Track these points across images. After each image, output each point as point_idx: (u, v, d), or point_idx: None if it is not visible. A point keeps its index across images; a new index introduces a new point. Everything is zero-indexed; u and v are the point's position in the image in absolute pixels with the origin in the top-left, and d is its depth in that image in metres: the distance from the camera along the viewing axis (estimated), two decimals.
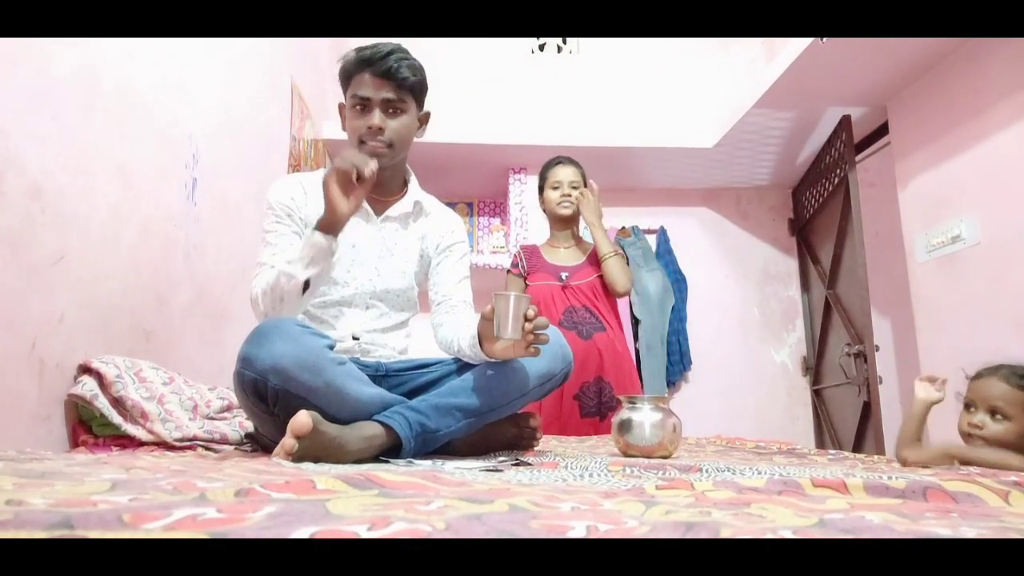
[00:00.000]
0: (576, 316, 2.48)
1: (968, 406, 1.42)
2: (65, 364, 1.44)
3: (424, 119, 1.61)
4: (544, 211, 2.65)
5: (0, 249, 1.24)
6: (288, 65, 3.02)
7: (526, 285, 2.57)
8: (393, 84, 1.48)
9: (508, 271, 2.65)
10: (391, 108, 1.50)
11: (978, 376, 1.44)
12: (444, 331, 1.58)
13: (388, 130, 1.50)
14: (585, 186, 2.59)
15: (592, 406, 2.42)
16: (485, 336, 1.37)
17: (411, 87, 1.51)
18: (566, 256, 2.60)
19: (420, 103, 1.57)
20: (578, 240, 2.66)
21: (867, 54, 2.85)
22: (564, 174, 2.57)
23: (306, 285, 1.38)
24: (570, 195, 2.54)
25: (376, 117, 1.48)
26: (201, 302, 2.11)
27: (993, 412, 1.37)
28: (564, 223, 2.61)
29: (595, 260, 2.56)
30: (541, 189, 2.63)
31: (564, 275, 2.53)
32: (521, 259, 2.62)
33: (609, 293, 2.54)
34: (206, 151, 2.14)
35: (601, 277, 2.53)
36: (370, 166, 1.34)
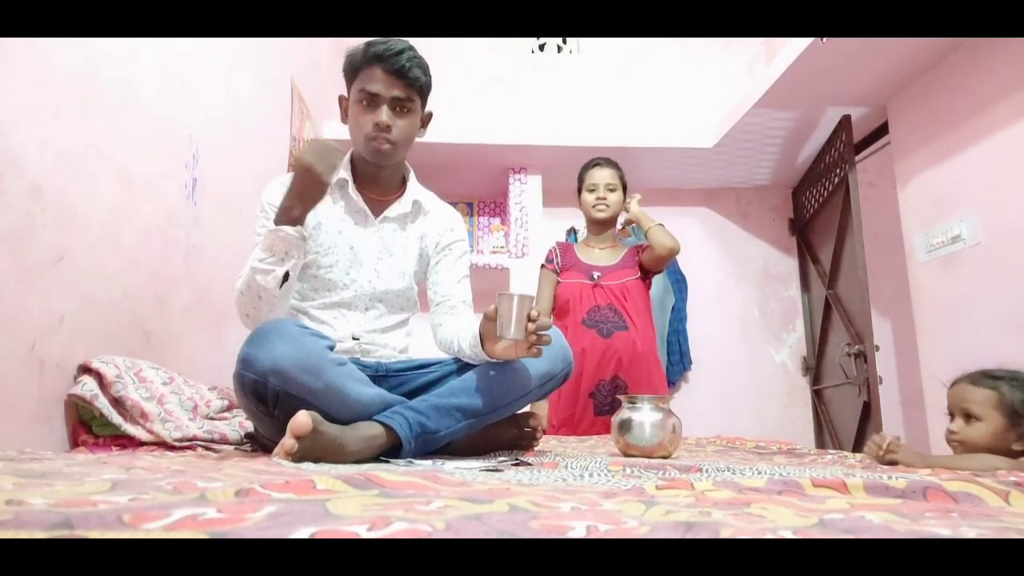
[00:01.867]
0: (599, 315, 2.48)
1: (950, 415, 1.45)
2: (65, 364, 1.44)
3: (426, 120, 1.60)
4: (582, 212, 2.65)
5: (0, 249, 1.24)
6: (288, 65, 3.02)
7: (558, 281, 2.57)
8: (404, 83, 1.47)
9: (543, 266, 2.66)
10: (399, 107, 1.49)
11: (952, 384, 1.47)
12: (444, 331, 1.57)
13: (395, 128, 1.49)
14: (624, 187, 2.59)
15: (606, 404, 2.42)
16: (487, 336, 1.36)
17: (420, 87, 1.51)
18: (601, 256, 2.60)
19: (424, 103, 1.57)
20: (614, 242, 2.65)
21: (867, 54, 2.85)
22: (600, 176, 2.56)
23: (285, 277, 1.37)
24: (605, 198, 2.54)
25: (384, 114, 1.47)
26: (201, 302, 2.11)
27: (966, 416, 1.39)
28: (600, 225, 2.61)
29: (629, 263, 2.56)
30: (579, 190, 2.62)
31: (596, 274, 2.53)
32: (556, 255, 2.62)
33: (643, 294, 2.54)
34: (206, 151, 2.14)
35: (637, 279, 2.53)
36: (334, 174, 1.35)
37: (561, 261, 2.61)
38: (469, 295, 1.65)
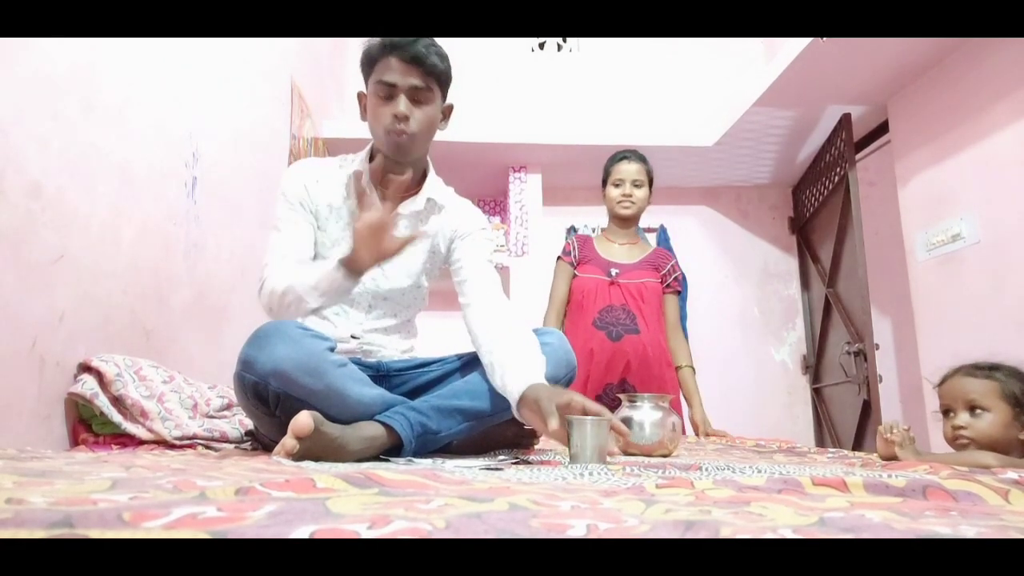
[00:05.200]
0: (611, 316, 2.39)
1: (947, 412, 1.39)
2: (65, 363, 1.44)
3: (447, 112, 1.53)
4: (605, 205, 2.53)
5: (0, 248, 1.24)
6: (288, 64, 3.02)
7: (575, 275, 2.49)
8: (421, 71, 1.40)
9: (559, 258, 2.55)
10: (417, 96, 1.42)
11: (942, 381, 1.42)
12: (476, 325, 1.48)
13: (413, 119, 1.43)
14: (650, 183, 2.47)
15: (612, 409, 2.37)
16: (525, 406, 1.27)
17: (439, 75, 1.44)
18: (619, 252, 2.50)
19: (444, 94, 1.50)
20: (635, 238, 2.57)
21: (867, 53, 2.85)
22: (627, 171, 2.43)
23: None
24: (631, 195, 2.42)
25: (402, 104, 1.41)
26: (201, 301, 2.11)
27: (972, 408, 1.34)
28: (623, 221, 2.49)
29: (649, 265, 2.50)
30: (604, 183, 2.50)
31: (614, 271, 2.44)
32: (574, 247, 2.52)
33: (659, 296, 2.48)
34: (206, 150, 2.14)
35: (652, 282, 2.47)
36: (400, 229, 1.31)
37: (579, 254, 2.50)
38: (497, 284, 1.56)
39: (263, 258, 1.47)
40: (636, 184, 2.43)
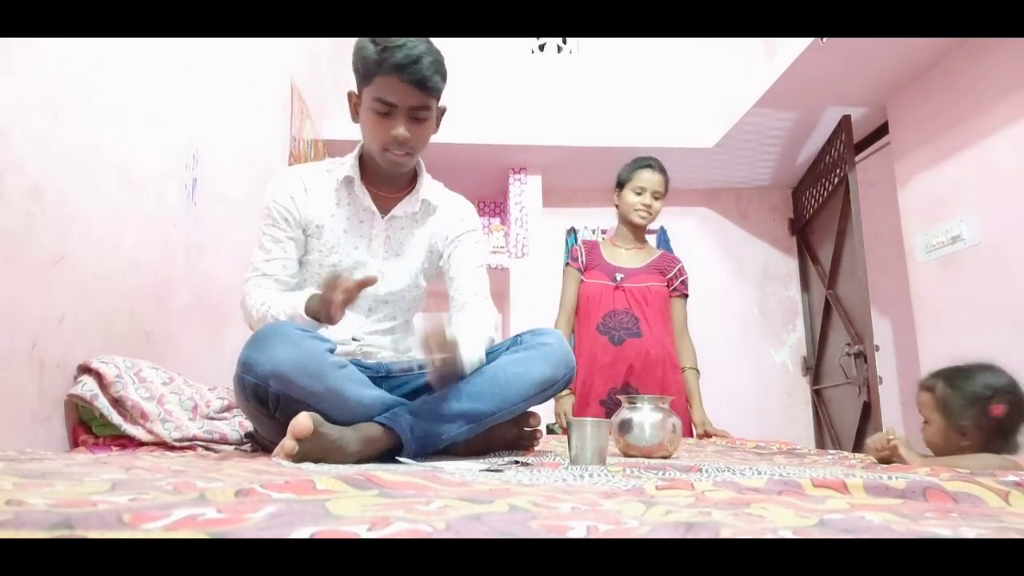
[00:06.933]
0: (614, 320, 2.40)
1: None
2: (65, 364, 1.44)
3: (440, 115, 1.52)
4: (616, 208, 2.52)
5: (0, 249, 1.24)
6: (288, 65, 3.02)
7: (582, 280, 2.50)
8: (423, 92, 1.39)
9: (567, 263, 2.58)
10: (417, 115, 1.42)
11: None
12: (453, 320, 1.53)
13: (413, 139, 1.43)
14: (665, 193, 2.46)
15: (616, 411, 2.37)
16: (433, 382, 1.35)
17: (439, 91, 1.44)
18: (626, 257, 2.52)
19: (439, 100, 1.49)
20: (642, 243, 2.57)
21: (867, 54, 2.85)
22: (650, 181, 2.41)
23: None
24: (651, 206, 2.42)
25: (402, 127, 1.40)
26: (201, 302, 2.11)
27: (925, 420, 1.45)
28: (635, 228, 2.50)
29: (655, 269, 2.51)
30: (620, 186, 2.48)
31: (619, 276, 2.46)
32: (581, 253, 2.54)
33: (665, 299, 2.49)
34: (206, 151, 2.14)
35: (662, 287, 2.48)
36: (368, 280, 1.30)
37: (586, 260, 2.52)
38: (484, 285, 1.60)
39: (247, 269, 1.49)
40: (656, 196, 2.44)
